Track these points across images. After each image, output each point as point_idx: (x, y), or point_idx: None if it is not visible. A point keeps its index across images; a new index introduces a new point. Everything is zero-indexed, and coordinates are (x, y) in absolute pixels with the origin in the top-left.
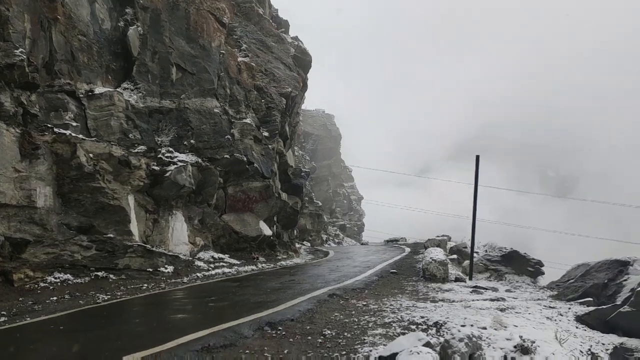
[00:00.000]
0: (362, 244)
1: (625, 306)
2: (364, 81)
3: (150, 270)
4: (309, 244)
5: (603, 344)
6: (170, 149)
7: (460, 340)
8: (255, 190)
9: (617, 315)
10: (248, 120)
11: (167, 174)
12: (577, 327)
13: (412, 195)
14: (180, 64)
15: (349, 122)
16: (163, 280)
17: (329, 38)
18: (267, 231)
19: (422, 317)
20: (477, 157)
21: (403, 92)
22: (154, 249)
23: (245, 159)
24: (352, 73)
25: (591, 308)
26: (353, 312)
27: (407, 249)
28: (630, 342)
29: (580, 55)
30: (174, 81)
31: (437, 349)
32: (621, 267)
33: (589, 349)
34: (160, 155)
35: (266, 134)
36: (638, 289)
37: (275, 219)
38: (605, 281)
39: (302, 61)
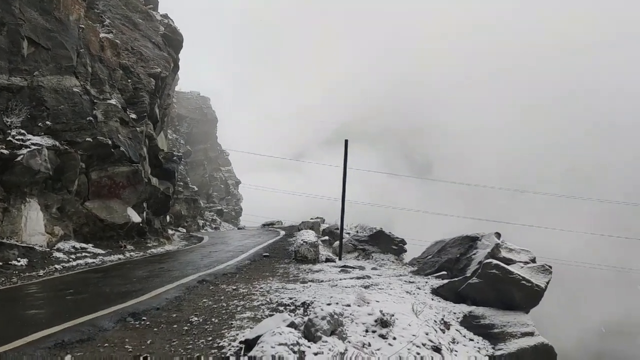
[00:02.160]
0: (239, 228)
1: (474, 278)
2: (245, 65)
3: (0, 264)
4: (184, 230)
5: (455, 313)
6: (22, 131)
7: (323, 318)
8: (122, 176)
9: (467, 286)
10: (113, 101)
11: (19, 159)
12: (432, 299)
13: (291, 179)
14: (33, 38)
15: (227, 105)
16: (15, 274)
17: (212, 20)
18: (135, 218)
19: (290, 299)
20: (346, 142)
21: (286, 76)
22: (4, 240)
23: (110, 142)
24: (232, 56)
25: (445, 281)
26: (222, 297)
27: (282, 232)
28: (478, 310)
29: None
30: (26, 56)
31: (302, 328)
32: (471, 242)
33: (442, 318)
34: (9, 138)
35: (134, 116)
36: (484, 262)
37: (145, 205)
38: (458, 256)
39: (172, 40)
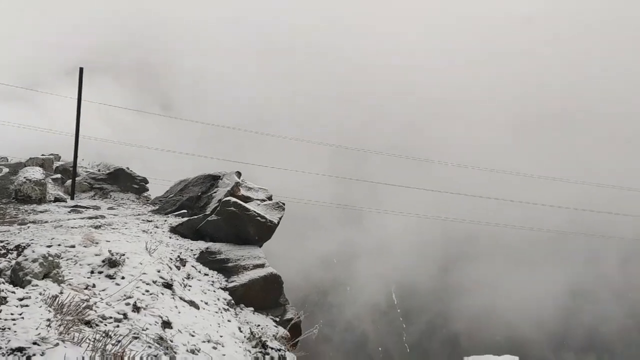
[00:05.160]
0: None
1: (213, 215)
2: None
3: None
4: None
5: (192, 250)
6: None
7: (34, 260)
8: None
9: (206, 223)
10: None
11: None
12: (170, 237)
13: (21, 111)
14: None
15: None
16: None
17: None
18: None
19: (1, 242)
20: (81, 70)
21: None
22: None
23: None
24: None
25: (185, 219)
26: None
27: (6, 170)
28: (215, 246)
29: None
30: None
31: (8, 272)
32: (213, 180)
33: (178, 256)
34: None
35: None
36: (224, 200)
37: None
38: (199, 194)
39: None
